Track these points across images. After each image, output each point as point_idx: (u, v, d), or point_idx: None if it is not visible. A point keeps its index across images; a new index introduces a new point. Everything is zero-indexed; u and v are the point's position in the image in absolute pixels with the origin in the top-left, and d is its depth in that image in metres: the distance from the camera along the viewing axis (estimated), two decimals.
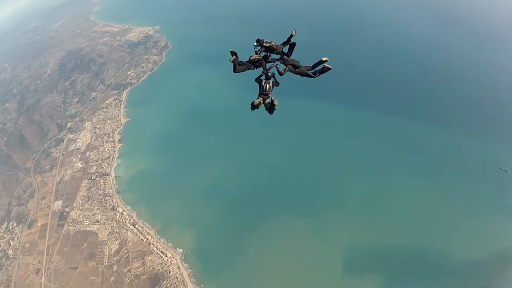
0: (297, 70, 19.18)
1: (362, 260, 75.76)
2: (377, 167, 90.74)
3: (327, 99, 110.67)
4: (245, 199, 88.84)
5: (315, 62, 18.69)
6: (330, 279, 74.03)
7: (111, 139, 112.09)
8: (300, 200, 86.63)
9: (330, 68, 17.26)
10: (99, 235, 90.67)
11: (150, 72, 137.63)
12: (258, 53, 19.88)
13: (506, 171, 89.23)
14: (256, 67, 19.59)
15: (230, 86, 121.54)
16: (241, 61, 19.13)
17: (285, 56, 19.48)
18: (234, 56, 18.53)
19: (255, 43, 19.92)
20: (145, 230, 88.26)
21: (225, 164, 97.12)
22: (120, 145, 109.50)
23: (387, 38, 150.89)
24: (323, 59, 18.15)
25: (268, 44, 19.74)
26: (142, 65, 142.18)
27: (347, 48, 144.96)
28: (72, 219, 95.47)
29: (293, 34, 19.98)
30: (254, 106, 18.09)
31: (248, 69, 19.49)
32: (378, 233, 79.12)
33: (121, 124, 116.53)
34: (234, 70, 18.90)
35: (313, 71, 18.66)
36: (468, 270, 72.77)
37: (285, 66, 18.80)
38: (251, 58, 19.35)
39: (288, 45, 20.01)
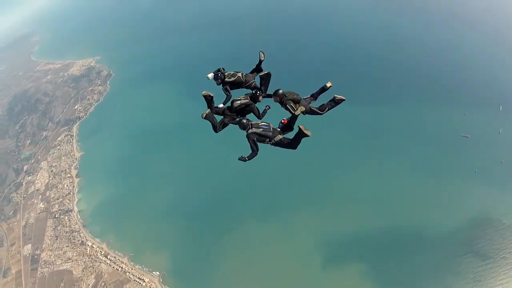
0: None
1: (339, 248, 70.44)
2: (336, 154, 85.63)
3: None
4: (207, 210, 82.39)
5: (316, 91, 14.49)
6: (312, 274, 68.20)
7: (69, 175, 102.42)
8: (263, 203, 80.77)
9: (343, 99, 13.77)
10: (74, 272, 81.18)
11: (96, 103, 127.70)
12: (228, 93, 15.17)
13: (467, 137, 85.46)
14: (245, 114, 14.76)
15: (177, 99, 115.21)
16: (220, 108, 14.69)
17: (259, 93, 14.59)
18: (208, 110, 14.35)
19: (215, 79, 15.37)
20: (118, 259, 79.77)
21: (182, 179, 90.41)
22: (78, 179, 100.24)
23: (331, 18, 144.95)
24: (328, 85, 14.16)
25: (232, 79, 15.22)
26: (88, 97, 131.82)
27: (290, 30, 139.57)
28: (44, 260, 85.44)
29: (262, 58, 15.52)
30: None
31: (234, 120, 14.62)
32: (349, 219, 74.25)
33: (76, 158, 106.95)
34: (216, 130, 14.65)
35: (319, 106, 14.34)
36: (449, 238, 68.56)
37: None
38: (236, 105, 14.42)
39: (260, 77, 15.44)
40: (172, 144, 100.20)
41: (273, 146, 13.94)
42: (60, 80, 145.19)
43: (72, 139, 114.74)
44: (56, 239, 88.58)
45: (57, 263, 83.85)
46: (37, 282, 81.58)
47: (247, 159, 13.49)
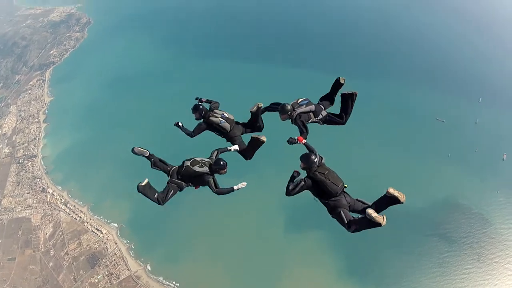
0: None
1: (303, 212, 59.96)
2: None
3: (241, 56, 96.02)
4: (171, 161, 69.11)
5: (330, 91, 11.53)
6: (274, 236, 60.52)
7: (36, 120, 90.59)
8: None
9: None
10: (32, 220, 71.39)
11: (72, 49, 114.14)
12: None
13: (443, 121, 77.41)
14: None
15: (153, 51, 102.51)
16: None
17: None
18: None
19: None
20: (78, 208, 69.84)
21: (150, 131, 78.22)
22: (45, 124, 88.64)
23: None
24: (342, 81, 11.19)
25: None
26: (65, 43, 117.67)
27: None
28: (5, 207, 75.03)
29: (253, 110, 11.88)
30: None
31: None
32: None
33: (46, 103, 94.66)
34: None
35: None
36: (416, 217, 60.37)
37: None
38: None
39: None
40: (143, 97, 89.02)
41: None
42: (39, 25, 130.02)
43: (44, 84, 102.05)
44: (18, 185, 78.27)
45: (17, 210, 74.03)
46: None
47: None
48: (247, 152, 11.43)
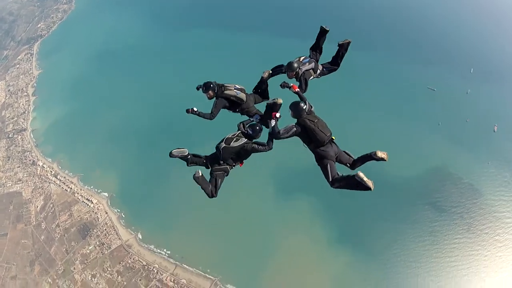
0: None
1: (293, 181, 59.99)
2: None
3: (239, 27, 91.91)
4: (161, 133, 69.83)
5: (315, 42, 12.06)
6: (264, 204, 59.03)
7: (25, 93, 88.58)
8: (220, 127, 65.77)
9: (349, 42, 11.55)
10: (23, 193, 70.27)
11: (60, 22, 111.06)
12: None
13: (434, 90, 75.40)
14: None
15: (142, 24, 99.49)
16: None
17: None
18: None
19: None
20: (68, 179, 68.27)
21: (138, 102, 77.51)
22: (34, 97, 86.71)
23: None
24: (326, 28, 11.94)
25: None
26: (52, 15, 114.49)
27: None
28: None
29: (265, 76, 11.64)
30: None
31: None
32: (307, 153, 60.85)
33: (34, 76, 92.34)
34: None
35: (331, 61, 12.05)
36: (406, 186, 59.29)
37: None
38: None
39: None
40: (132, 67, 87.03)
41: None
42: (26, 0, 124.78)
43: (32, 58, 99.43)
44: (8, 159, 77.04)
45: (8, 185, 72.93)
46: None
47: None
48: (267, 119, 10.77)
